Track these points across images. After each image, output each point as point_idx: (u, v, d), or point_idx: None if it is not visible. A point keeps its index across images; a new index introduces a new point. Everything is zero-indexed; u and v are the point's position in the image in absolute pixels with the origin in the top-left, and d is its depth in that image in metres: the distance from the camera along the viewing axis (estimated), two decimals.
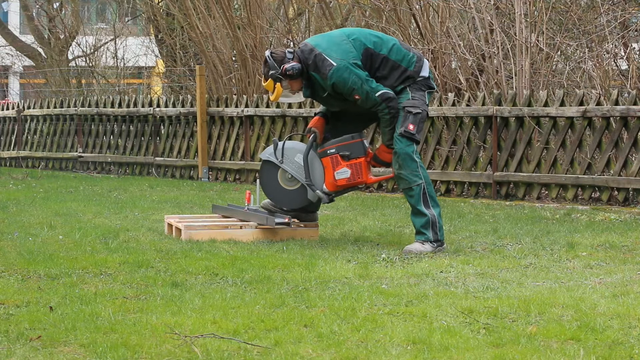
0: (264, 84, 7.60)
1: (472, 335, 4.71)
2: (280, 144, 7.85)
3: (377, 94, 7.35)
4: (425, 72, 7.53)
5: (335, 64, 7.33)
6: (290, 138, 8.10)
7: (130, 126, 16.00)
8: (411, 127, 7.37)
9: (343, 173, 7.61)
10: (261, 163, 8.05)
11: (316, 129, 7.74)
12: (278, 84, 7.47)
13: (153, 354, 4.39)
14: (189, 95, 15.98)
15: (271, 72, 7.46)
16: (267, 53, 7.53)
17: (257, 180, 8.09)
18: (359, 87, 7.34)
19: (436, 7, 12.70)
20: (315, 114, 7.87)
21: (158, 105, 15.52)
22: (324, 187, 7.67)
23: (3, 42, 26.14)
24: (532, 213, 9.80)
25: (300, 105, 13.29)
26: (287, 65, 7.41)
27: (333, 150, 7.61)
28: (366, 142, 7.70)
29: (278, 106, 13.61)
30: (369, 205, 10.57)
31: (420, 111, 7.43)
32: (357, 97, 7.37)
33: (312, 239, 7.87)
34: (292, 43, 15.19)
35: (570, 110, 10.70)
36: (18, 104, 18.84)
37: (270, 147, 7.90)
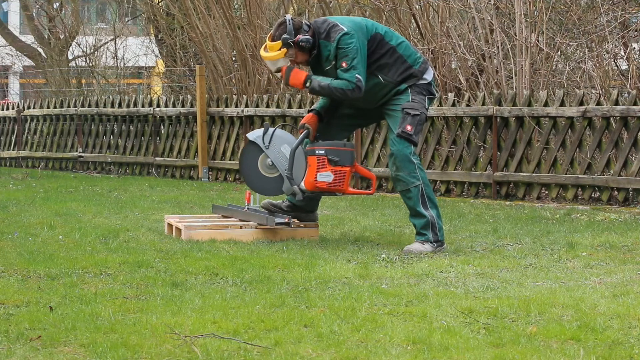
0: (269, 43, 7.49)
1: (472, 335, 4.71)
2: (270, 129, 7.85)
3: (357, 75, 7.32)
4: (428, 76, 7.51)
5: (345, 29, 7.35)
6: (282, 127, 8.08)
7: (130, 126, 16.00)
8: (409, 127, 7.36)
9: (326, 176, 7.57)
10: (246, 143, 8.03)
11: (309, 126, 7.73)
12: (284, 50, 7.45)
13: (153, 354, 4.39)
14: (189, 95, 15.98)
15: (285, 35, 7.40)
16: (288, 17, 7.50)
17: (243, 147, 8.07)
18: (351, 58, 7.30)
19: (436, 7, 12.70)
20: (309, 111, 7.84)
21: (158, 105, 15.52)
22: (302, 184, 7.65)
23: (3, 42, 26.15)
24: (532, 213, 9.80)
25: (300, 105, 13.29)
26: (301, 36, 7.38)
27: (322, 152, 7.57)
28: (354, 154, 7.70)
29: (278, 106, 13.62)
30: (369, 205, 10.57)
31: (419, 113, 7.41)
32: (344, 64, 7.33)
33: (312, 239, 7.87)
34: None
35: (570, 110, 10.70)
36: (18, 104, 18.84)
37: (260, 130, 7.88)
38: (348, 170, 7.57)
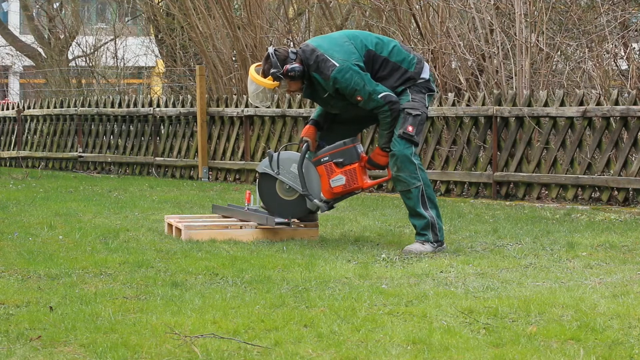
0: (262, 79, 7.53)
1: (472, 335, 4.71)
2: (275, 155, 7.84)
3: (379, 96, 7.32)
4: (425, 75, 7.51)
5: (337, 65, 7.30)
6: (285, 148, 8.07)
7: (130, 126, 15.99)
8: (410, 128, 7.35)
9: (338, 180, 7.59)
10: (259, 176, 8.04)
11: (308, 138, 7.72)
12: (276, 83, 7.45)
13: (153, 354, 4.39)
14: (189, 95, 15.98)
15: (272, 70, 7.42)
16: (271, 50, 7.48)
17: (257, 181, 8.09)
18: (361, 88, 7.30)
19: (436, 7, 12.70)
20: (307, 123, 7.85)
21: (158, 105, 15.52)
22: (322, 195, 7.65)
23: (3, 42, 26.16)
24: (532, 213, 9.80)
25: (300, 105, 13.29)
26: (289, 66, 7.37)
27: (327, 158, 7.59)
28: (360, 147, 7.67)
29: (278, 106, 13.61)
30: (369, 205, 10.57)
31: (420, 113, 7.40)
32: (359, 98, 7.34)
33: (312, 239, 7.87)
34: (292, 43, 15.19)
35: (570, 110, 10.70)
36: (18, 104, 18.84)
37: (266, 160, 7.89)
38: (357, 166, 7.57)
